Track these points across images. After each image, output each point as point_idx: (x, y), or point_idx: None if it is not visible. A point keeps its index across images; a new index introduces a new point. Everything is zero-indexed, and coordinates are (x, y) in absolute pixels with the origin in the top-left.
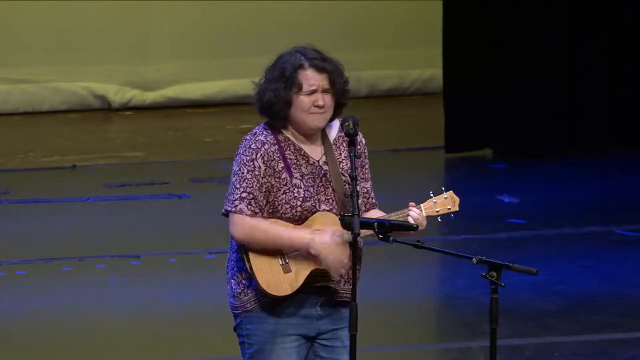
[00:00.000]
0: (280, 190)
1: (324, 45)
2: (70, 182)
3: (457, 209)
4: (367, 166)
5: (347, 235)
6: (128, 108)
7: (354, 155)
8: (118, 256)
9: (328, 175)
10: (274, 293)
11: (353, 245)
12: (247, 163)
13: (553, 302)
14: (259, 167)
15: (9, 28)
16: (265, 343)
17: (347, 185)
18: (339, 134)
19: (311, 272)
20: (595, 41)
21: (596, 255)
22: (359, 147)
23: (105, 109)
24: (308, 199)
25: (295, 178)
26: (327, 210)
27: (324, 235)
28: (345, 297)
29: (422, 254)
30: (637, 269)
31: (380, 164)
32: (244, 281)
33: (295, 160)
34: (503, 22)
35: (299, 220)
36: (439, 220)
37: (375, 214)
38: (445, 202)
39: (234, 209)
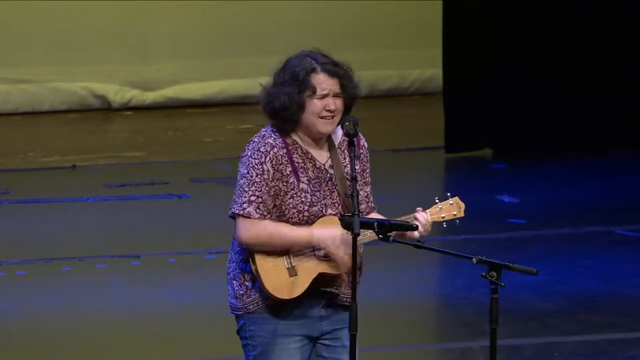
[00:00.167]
0: (287, 194)
1: (324, 45)
2: (70, 182)
3: (462, 215)
4: (368, 170)
5: (348, 234)
6: (128, 108)
7: (353, 155)
8: (118, 256)
9: (334, 179)
10: (280, 296)
11: (353, 245)
12: (256, 166)
13: (553, 302)
14: (268, 170)
15: (9, 28)
16: (269, 344)
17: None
18: (343, 138)
19: (317, 275)
20: (595, 41)
21: (596, 255)
22: (361, 150)
23: (105, 109)
24: (315, 203)
25: (303, 182)
26: (333, 215)
27: (326, 229)
28: (346, 301)
29: (422, 254)
30: (637, 269)
31: (380, 164)
32: (247, 283)
33: (302, 164)
34: (503, 22)
35: (305, 224)
36: (444, 226)
37: (376, 217)
38: (451, 208)
39: (242, 212)
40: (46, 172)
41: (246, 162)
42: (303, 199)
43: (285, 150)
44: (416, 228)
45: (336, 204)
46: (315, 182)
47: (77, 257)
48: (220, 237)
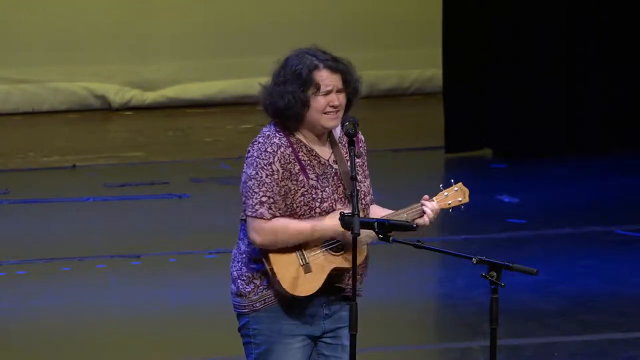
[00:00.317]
0: (297, 192)
1: (324, 45)
2: (70, 182)
3: (467, 200)
4: (366, 163)
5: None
6: (128, 108)
7: (353, 156)
8: (118, 256)
9: (339, 174)
10: (298, 294)
11: (353, 245)
12: (264, 167)
13: (553, 302)
14: (277, 170)
15: (9, 28)
16: (272, 343)
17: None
18: (342, 133)
19: (332, 270)
20: (595, 41)
21: (596, 255)
22: (359, 144)
23: (105, 109)
24: (326, 199)
25: (312, 179)
26: (341, 209)
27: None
28: (349, 292)
29: (422, 254)
30: (637, 269)
31: (380, 164)
32: (255, 281)
33: (308, 162)
34: (503, 22)
35: None
36: (450, 212)
37: (377, 210)
38: (456, 194)
39: (254, 214)
40: (46, 172)
41: (254, 163)
42: (314, 196)
43: (291, 149)
44: (416, 228)
45: (343, 199)
46: (323, 178)
47: (77, 257)
48: (220, 237)
